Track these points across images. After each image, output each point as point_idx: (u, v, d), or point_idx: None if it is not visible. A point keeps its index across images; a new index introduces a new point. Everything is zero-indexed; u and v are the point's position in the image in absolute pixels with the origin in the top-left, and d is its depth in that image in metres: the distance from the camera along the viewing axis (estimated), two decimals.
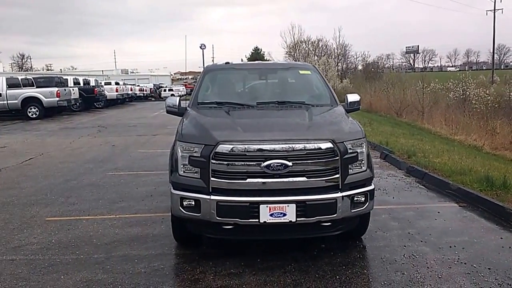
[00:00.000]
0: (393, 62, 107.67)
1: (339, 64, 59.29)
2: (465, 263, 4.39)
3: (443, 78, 32.00)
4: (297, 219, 4.14)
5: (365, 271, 4.28)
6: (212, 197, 4.18)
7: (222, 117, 4.91)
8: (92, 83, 29.04)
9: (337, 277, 4.15)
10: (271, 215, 4.13)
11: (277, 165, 4.11)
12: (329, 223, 4.33)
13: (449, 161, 9.25)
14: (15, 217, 6.12)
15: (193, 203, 4.30)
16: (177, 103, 5.68)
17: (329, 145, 4.23)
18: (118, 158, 10.64)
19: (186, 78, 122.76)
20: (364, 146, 4.50)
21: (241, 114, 5.04)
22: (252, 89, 5.96)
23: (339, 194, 4.23)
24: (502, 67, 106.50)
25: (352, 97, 5.77)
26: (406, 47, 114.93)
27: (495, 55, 78.81)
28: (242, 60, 54.75)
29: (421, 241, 4.99)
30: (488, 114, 21.68)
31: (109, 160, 10.44)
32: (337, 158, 4.25)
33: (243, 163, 4.16)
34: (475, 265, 4.33)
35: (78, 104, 25.34)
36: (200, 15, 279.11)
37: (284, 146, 4.16)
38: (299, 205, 4.14)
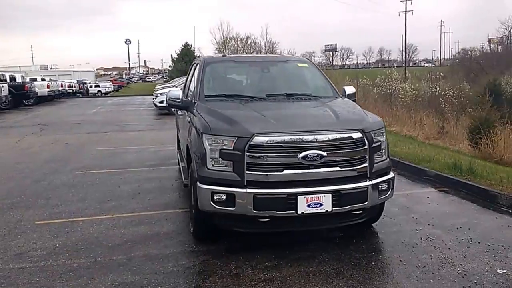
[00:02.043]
0: (314, 59, 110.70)
1: None
2: (479, 242, 4.72)
3: (367, 75, 33.90)
4: (333, 208, 4.22)
5: (395, 255, 4.44)
6: (249, 190, 4.13)
7: (246, 110, 4.84)
8: (18, 79, 27.06)
9: (373, 263, 4.29)
10: (308, 205, 4.17)
11: (313, 156, 4.16)
12: (360, 211, 4.47)
13: (409, 150, 9.82)
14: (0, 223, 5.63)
15: (224, 197, 4.22)
16: (181, 96, 5.53)
17: (359, 134, 4.36)
18: (80, 157, 10.08)
19: (110, 74, 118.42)
20: (384, 136, 4.67)
21: (260, 107, 4.97)
22: (256, 81, 5.92)
23: (369, 183, 4.37)
24: (410, 65, 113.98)
25: (349, 89, 5.96)
26: (325, 45, 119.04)
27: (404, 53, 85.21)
28: (172, 56, 53.89)
29: (428, 225, 5.27)
30: (414, 107, 23.24)
31: (71, 159, 9.87)
32: (366, 147, 4.38)
33: (279, 154, 4.17)
34: (488, 244, 4.67)
35: (7, 101, 23.49)
36: (124, 9, 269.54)
37: (319, 136, 4.22)
38: (335, 194, 4.21)
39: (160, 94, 20.61)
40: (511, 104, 25.31)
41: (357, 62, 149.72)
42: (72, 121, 18.43)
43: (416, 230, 5.11)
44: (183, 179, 5.86)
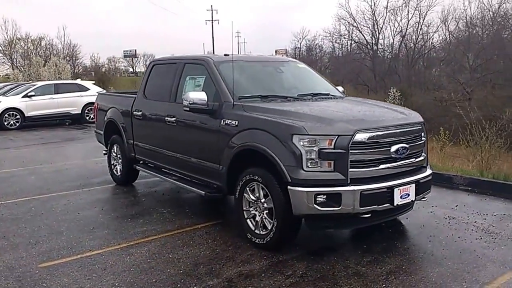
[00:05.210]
0: (118, 64, 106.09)
1: (69, 65, 56.36)
2: (487, 214, 5.65)
3: None
4: (415, 197, 4.60)
5: (451, 234, 5.00)
6: (356, 187, 4.18)
7: (318, 108, 4.92)
8: None
9: (444, 243, 4.79)
10: (400, 197, 4.45)
11: (402, 149, 4.48)
12: (425, 199, 4.96)
13: None
14: None
15: (326, 197, 4.18)
16: (206, 99, 5.11)
17: (422, 127, 4.87)
18: None
19: None
20: None
21: (319, 105, 5.11)
22: (277, 82, 5.88)
23: (430, 171, 4.92)
24: None
25: (341, 89, 6.43)
26: (124, 51, 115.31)
27: None
28: None
29: (433, 207, 6.00)
30: None
31: None
32: (425, 139, 4.92)
33: (375, 150, 4.36)
34: (494, 214, 5.66)
35: None
36: None
37: (404, 130, 4.60)
38: (416, 184, 4.61)
39: None
40: None
41: None
42: None
43: (431, 212, 5.80)
44: (202, 192, 5.40)
